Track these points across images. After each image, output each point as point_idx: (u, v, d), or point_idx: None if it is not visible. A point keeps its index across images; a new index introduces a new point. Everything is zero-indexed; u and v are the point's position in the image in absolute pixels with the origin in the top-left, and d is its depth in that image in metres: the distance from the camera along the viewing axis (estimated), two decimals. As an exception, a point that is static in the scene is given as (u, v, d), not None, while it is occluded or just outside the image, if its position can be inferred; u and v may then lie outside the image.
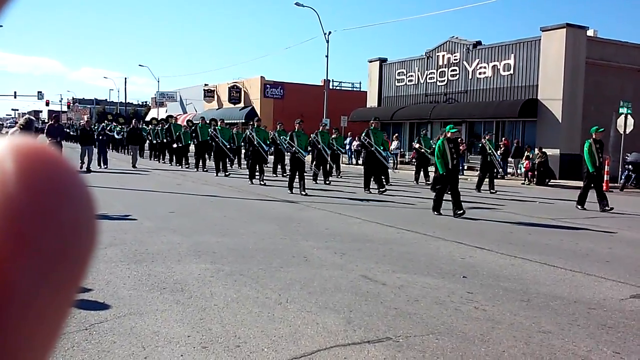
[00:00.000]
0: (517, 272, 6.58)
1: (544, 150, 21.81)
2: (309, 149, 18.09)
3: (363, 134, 16.02)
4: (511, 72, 26.55)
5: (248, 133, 18.13)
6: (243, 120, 38.91)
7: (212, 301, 4.99)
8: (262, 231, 8.74)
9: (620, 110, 21.15)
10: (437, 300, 5.28)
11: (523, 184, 21.39)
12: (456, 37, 30.01)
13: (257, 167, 17.23)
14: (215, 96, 51.03)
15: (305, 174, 14.92)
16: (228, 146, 20.87)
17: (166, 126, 26.57)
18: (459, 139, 21.02)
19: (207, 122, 23.69)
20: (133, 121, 26.42)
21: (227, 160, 21.18)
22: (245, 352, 3.88)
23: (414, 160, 29.81)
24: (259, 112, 43.28)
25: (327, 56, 33.16)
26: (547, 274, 6.54)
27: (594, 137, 13.29)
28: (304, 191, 14.26)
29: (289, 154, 20.03)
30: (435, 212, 11.31)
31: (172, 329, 4.26)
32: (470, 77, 28.76)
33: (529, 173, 21.78)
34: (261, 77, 45.59)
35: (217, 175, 19.65)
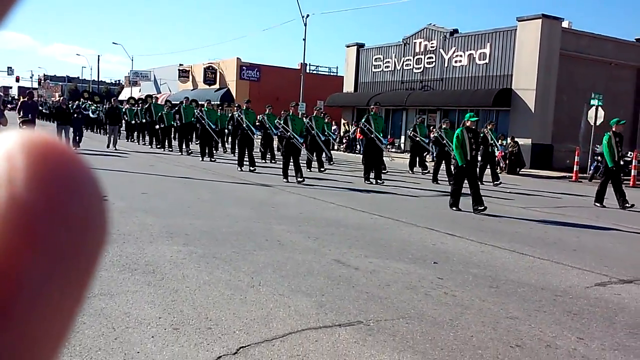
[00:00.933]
0: (487, 259, 6.70)
1: (516, 139, 22.11)
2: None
3: (363, 120, 14.96)
4: (486, 61, 26.76)
5: (237, 115, 16.89)
6: (218, 102, 38.51)
7: (184, 283, 4.97)
8: (236, 214, 8.72)
9: (592, 102, 21.51)
10: (408, 285, 5.35)
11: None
12: (433, 25, 30.09)
13: (247, 153, 16.13)
14: (190, 76, 50.42)
15: (300, 160, 14.41)
16: (215, 128, 19.80)
17: (146, 106, 25.12)
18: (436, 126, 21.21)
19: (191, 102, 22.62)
20: (112, 99, 24.85)
21: (213, 143, 20.06)
22: (217, 334, 3.89)
23: (389, 147, 29.99)
24: (234, 94, 42.94)
25: (304, 39, 32.97)
26: (516, 261, 6.67)
27: (613, 129, 12.46)
28: (301, 177, 13.34)
29: (276, 138, 19.37)
30: (454, 208, 10.54)
31: (143, 310, 4.24)
32: (446, 65, 28.91)
33: (501, 162, 22.06)
34: (237, 58, 45.14)
35: (202, 160, 18.38)
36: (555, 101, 24.58)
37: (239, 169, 15.82)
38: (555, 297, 5.29)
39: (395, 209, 10.24)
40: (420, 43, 30.36)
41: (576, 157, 20.42)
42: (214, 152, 20.17)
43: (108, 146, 21.02)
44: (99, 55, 67.78)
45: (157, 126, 23.17)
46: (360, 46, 34.66)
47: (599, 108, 21.30)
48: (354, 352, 3.76)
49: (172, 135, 23.47)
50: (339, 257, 6.29)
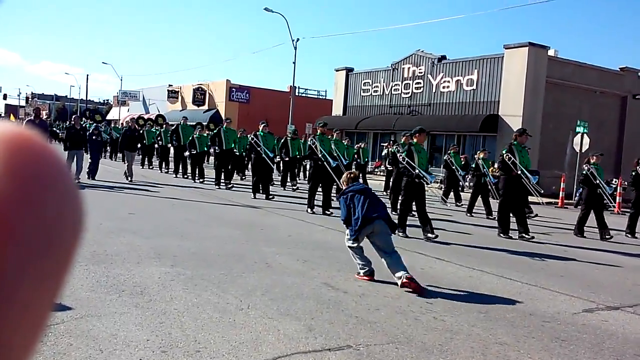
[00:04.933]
0: (475, 284, 6.71)
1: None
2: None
3: (505, 151, 11.29)
4: (474, 87, 27.09)
5: (310, 142, 13.27)
6: (206, 123, 38.49)
7: (172, 305, 4.93)
8: (225, 236, 8.68)
9: (577, 129, 21.81)
10: (397, 310, 5.34)
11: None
12: (422, 51, 30.46)
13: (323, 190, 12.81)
14: (179, 97, 50.48)
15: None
16: (273, 157, 15.65)
17: (173, 127, 21.50)
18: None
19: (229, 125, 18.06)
20: (130, 120, 20.87)
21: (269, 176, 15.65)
22: (205, 357, 3.85)
23: (376, 169, 30.07)
24: (223, 116, 42.98)
25: (294, 63, 33.23)
26: (504, 287, 6.69)
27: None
28: (432, 233, 9.71)
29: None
30: None
31: (130, 332, 4.19)
32: (434, 90, 29.22)
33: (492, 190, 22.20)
34: (227, 80, 45.32)
35: (254, 197, 14.43)
36: (541, 128, 24.88)
37: (328, 211, 12.36)
38: (543, 323, 5.30)
39: (384, 233, 10.24)
40: (408, 68, 30.70)
41: (562, 183, 20.64)
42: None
43: (129, 179, 16.98)
44: (87, 75, 67.85)
45: (187, 152, 19.63)
46: (349, 70, 34.98)
47: (585, 135, 21.59)
48: (343, 376, 3.73)
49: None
50: (328, 280, 6.27)
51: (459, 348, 4.42)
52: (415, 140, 10.61)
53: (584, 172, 12.27)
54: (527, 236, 10.65)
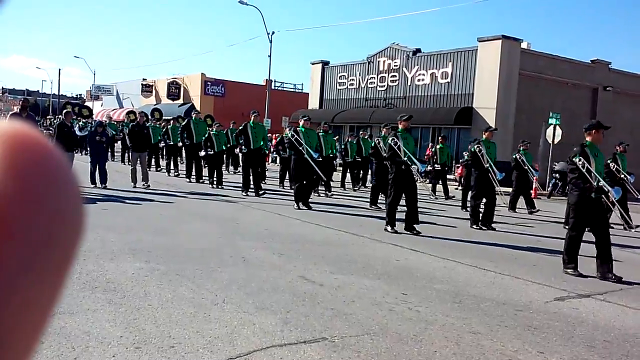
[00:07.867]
0: (450, 275, 6.78)
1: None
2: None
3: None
4: (448, 80, 27.28)
5: (390, 141, 10.49)
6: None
7: (146, 301, 4.88)
8: (200, 230, 8.63)
9: (550, 121, 22.09)
10: (372, 301, 5.37)
11: (457, 188, 22.00)
12: (397, 44, 30.56)
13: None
14: (154, 91, 49.95)
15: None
16: (318, 158, 12.89)
17: (183, 123, 18.27)
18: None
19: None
20: (138, 115, 17.61)
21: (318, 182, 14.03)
22: (180, 352, 3.83)
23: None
24: (199, 109, 42.68)
25: (269, 56, 33.08)
26: (478, 277, 6.77)
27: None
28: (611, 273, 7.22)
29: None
30: None
31: (104, 329, 4.15)
32: (409, 83, 29.35)
33: (463, 178, 22.45)
34: (202, 73, 44.97)
35: (298, 208, 12.03)
36: (514, 119, 25.18)
37: (416, 230, 9.74)
38: (516, 311, 5.38)
39: (360, 225, 10.29)
40: (384, 62, 30.79)
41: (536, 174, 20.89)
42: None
43: (135, 182, 14.76)
44: (59, 69, 66.65)
45: (203, 152, 16.62)
46: (325, 64, 34.96)
47: (557, 127, 21.89)
48: (319, 369, 3.74)
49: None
50: (304, 273, 6.28)
51: (433, 338, 4.46)
52: (589, 139, 7.60)
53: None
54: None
